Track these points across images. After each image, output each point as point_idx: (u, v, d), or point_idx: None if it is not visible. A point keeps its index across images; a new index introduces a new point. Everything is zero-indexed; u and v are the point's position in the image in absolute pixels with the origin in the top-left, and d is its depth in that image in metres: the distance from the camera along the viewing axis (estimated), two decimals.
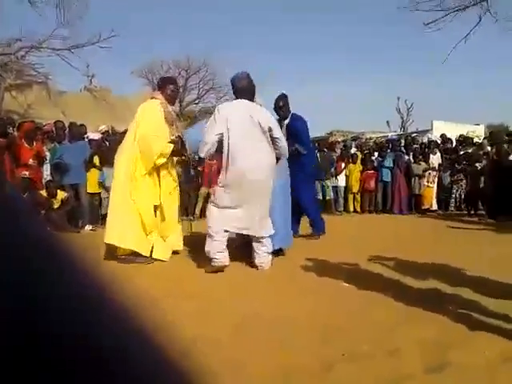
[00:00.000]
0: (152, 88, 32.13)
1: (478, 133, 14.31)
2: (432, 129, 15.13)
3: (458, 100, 49.41)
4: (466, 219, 8.91)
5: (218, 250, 4.21)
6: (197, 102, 28.96)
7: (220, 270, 4.21)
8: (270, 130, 4.32)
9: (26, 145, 6.98)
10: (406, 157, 10.38)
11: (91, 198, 7.78)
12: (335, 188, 9.94)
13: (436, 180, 10.35)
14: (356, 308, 3.14)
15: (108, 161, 6.96)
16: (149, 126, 4.63)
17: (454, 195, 10.25)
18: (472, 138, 11.58)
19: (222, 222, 4.23)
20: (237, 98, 4.41)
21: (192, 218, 8.16)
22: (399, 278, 3.92)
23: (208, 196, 6.02)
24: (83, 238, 6.34)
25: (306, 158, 6.04)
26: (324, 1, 54.49)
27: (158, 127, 4.68)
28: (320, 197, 9.69)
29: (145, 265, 4.49)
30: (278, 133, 4.42)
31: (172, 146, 4.65)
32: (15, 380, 0.20)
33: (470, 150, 10.52)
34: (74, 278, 0.25)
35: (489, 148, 10.36)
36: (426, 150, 10.86)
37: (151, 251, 4.66)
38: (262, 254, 4.35)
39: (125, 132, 9.22)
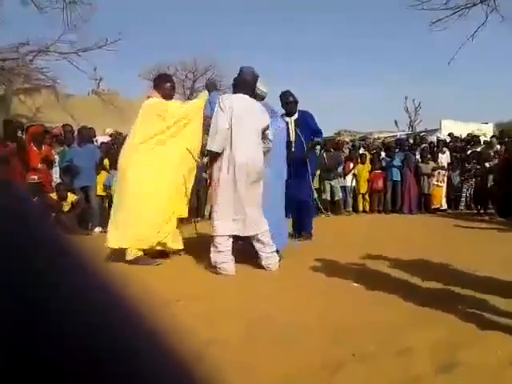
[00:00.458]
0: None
1: (486, 131, 14.21)
2: (441, 128, 15.05)
3: (466, 99, 49.19)
4: (475, 218, 8.85)
5: (223, 260, 4.21)
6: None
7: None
8: (266, 128, 4.41)
9: (35, 148, 7.03)
10: (415, 156, 10.34)
11: (101, 200, 7.82)
12: (343, 188, 9.91)
13: (445, 179, 10.29)
14: (365, 308, 3.13)
15: (116, 163, 6.99)
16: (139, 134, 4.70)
17: (464, 194, 10.19)
18: (479, 136, 11.51)
19: (225, 229, 4.23)
20: (237, 90, 4.44)
21: (198, 219, 8.16)
22: (408, 277, 3.91)
23: None
24: (93, 241, 6.37)
25: (311, 158, 6.05)
26: (331, 0, 54.44)
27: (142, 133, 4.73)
28: (328, 197, 9.66)
29: (152, 266, 4.50)
30: (270, 134, 4.50)
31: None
32: (21, 381, 0.20)
33: (478, 149, 10.46)
34: (83, 280, 0.25)
35: (498, 146, 10.29)
36: (435, 149, 10.81)
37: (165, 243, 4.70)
38: (267, 254, 4.34)
39: None
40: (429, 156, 10.27)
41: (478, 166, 9.81)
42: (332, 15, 56.63)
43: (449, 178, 10.36)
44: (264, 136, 4.43)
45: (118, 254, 4.59)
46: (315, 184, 9.37)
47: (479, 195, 9.73)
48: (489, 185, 9.40)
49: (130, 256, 4.60)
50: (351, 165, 9.96)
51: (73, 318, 0.23)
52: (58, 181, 7.55)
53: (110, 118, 16.01)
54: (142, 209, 4.59)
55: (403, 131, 22.80)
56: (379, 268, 4.29)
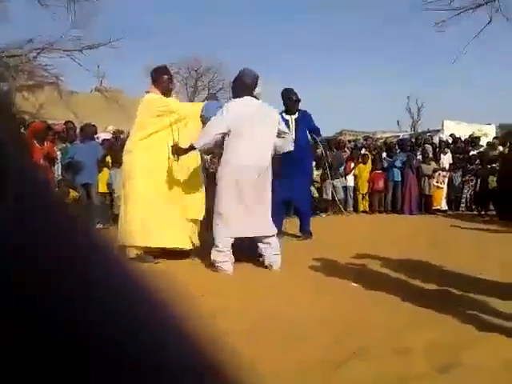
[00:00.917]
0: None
1: (487, 132, 14.17)
2: (443, 128, 15.03)
3: (469, 100, 49.08)
4: (476, 219, 8.84)
5: (222, 259, 4.22)
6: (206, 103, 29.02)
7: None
8: (279, 123, 4.46)
9: (37, 145, 7.04)
10: (417, 157, 10.32)
11: (103, 197, 7.84)
12: (344, 188, 9.90)
13: (446, 180, 10.28)
14: (365, 308, 3.14)
15: (118, 161, 7.00)
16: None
17: (464, 195, 10.18)
18: (479, 137, 11.50)
19: (228, 232, 4.24)
20: (237, 93, 4.42)
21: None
22: (408, 278, 3.91)
23: None
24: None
25: (308, 158, 6.06)
26: None
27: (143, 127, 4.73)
28: (329, 197, 9.66)
29: (153, 264, 4.50)
30: (285, 127, 4.59)
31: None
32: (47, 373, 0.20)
33: (481, 150, 10.44)
34: (107, 272, 0.26)
35: (501, 148, 10.27)
36: (437, 149, 10.80)
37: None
38: (271, 255, 4.35)
39: None
40: (430, 157, 10.25)
41: (480, 167, 9.80)
42: (335, 14, 56.54)
43: (450, 178, 10.35)
44: (280, 132, 4.45)
45: (121, 251, 4.59)
46: (317, 183, 9.41)
47: (480, 196, 9.72)
48: (490, 186, 9.38)
49: (131, 254, 4.60)
50: (352, 164, 9.95)
51: (97, 311, 0.23)
52: (60, 177, 7.57)
53: (112, 115, 16.02)
54: (166, 209, 4.63)
55: (405, 131, 22.78)
56: (379, 268, 4.29)
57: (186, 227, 4.80)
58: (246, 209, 4.25)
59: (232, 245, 4.29)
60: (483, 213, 9.51)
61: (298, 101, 5.96)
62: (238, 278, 4.07)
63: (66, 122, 8.76)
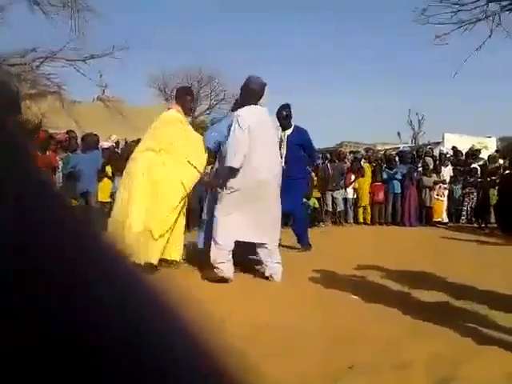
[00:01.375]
0: (164, 98, 32.47)
1: (488, 145, 14.19)
2: (443, 141, 15.05)
3: (470, 112, 49.17)
4: (476, 232, 8.82)
5: (222, 260, 4.15)
6: (208, 112, 29.18)
7: (223, 280, 4.15)
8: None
9: (38, 153, 7.06)
10: (417, 169, 10.33)
11: (102, 206, 7.83)
12: (345, 199, 9.90)
13: (446, 193, 10.28)
14: (364, 321, 3.13)
15: (119, 170, 7.01)
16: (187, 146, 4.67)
17: (465, 208, 10.18)
18: (480, 150, 11.52)
19: (230, 233, 4.19)
20: (245, 101, 4.39)
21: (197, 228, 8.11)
22: (408, 290, 3.90)
23: None
24: None
25: (300, 173, 6.04)
26: (335, 11, 54.83)
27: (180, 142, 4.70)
28: (330, 208, 9.67)
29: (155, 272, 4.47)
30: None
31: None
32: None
33: (480, 163, 10.45)
34: (117, 274, 0.26)
35: (501, 161, 10.28)
36: (437, 162, 10.81)
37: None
38: (272, 264, 4.32)
39: (137, 141, 9.32)
40: (431, 169, 10.27)
41: (480, 180, 9.80)
42: (336, 25, 56.94)
43: (450, 191, 10.35)
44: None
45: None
46: (317, 194, 9.41)
47: (480, 209, 9.71)
48: (491, 199, 9.37)
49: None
50: (352, 176, 9.95)
51: (101, 311, 0.23)
52: (60, 186, 7.58)
53: (115, 125, 16.08)
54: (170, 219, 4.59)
55: (406, 143, 22.81)
56: (379, 280, 4.28)
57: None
58: (254, 215, 4.22)
59: (232, 252, 4.25)
60: (483, 225, 9.49)
61: (288, 116, 5.91)
62: (237, 287, 4.05)
63: (67, 131, 8.80)
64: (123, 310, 0.24)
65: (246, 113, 4.26)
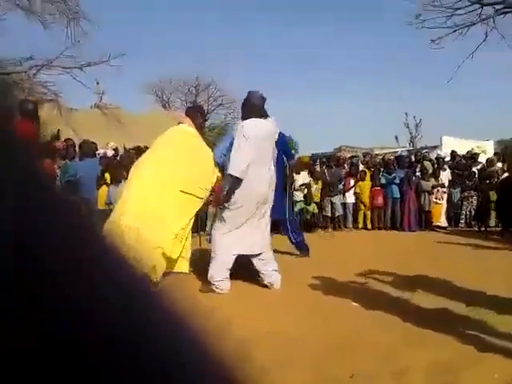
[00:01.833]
0: (161, 104, 32.51)
1: (486, 148, 14.21)
2: (441, 144, 15.07)
3: (468, 115, 49.27)
4: (475, 235, 8.82)
5: (220, 277, 4.18)
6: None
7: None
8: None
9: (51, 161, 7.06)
10: (416, 173, 10.34)
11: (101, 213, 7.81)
12: (344, 205, 9.90)
13: (445, 197, 10.28)
14: (365, 328, 3.13)
15: (116, 178, 7.02)
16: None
17: (464, 212, 10.18)
18: (478, 154, 11.55)
19: (228, 250, 4.21)
20: (247, 115, 4.39)
21: (202, 233, 8.09)
22: (408, 296, 3.90)
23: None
24: None
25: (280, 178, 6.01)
26: (332, 14, 55.03)
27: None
28: (329, 213, 9.66)
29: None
30: None
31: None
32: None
33: (479, 167, 10.47)
34: (122, 275, 0.26)
35: (499, 164, 10.30)
36: (435, 166, 10.81)
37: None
38: (270, 272, 4.33)
39: (135, 148, 9.32)
40: (430, 173, 10.27)
41: (480, 184, 9.82)
42: (333, 27, 56.99)
43: (449, 195, 10.35)
44: None
45: None
46: (317, 198, 9.41)
47: (480, 212, 9.72)
48: (490, 201, 9.40)
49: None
50: (352, 182, 9.96)
51: (105, 312, 0.23)
52: None
53: (112, 132, 16.08)
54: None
55: (404, 147, 22.86)
56: (379, 287, 4.28)
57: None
58: (252, 228, 4.25)
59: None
60: (483, 229, 9.50)
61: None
62: (236, 296, 4.04)
63: (65, 139, 8.79)
64: (129, 310, 0.24)
65: (251, 124, 4.28)
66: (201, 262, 4.82)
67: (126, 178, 5.98)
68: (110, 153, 9.20)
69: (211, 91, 32.00)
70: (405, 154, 13.65)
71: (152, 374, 0.22)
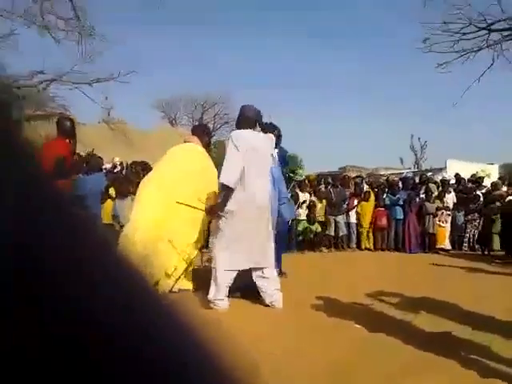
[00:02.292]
0: (168, 121, 32.73)
1: (490, 172, 14.21)
2: (446, 167, 15.09)
3: (473, 138, 49.35)
4: (478, 259, 8.75)
5: (220, 297, 4.17)
6: (212, 134, 29.42)
7: None
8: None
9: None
10: (420, 195, 10.32)
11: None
12: (348, 224, 9.88)
13: (449, 219, 10.25)
14: (366, 351, 3.10)
15: (122, 192, 7.06)
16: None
17: (467, 235, 10.13)
18: (482, 177, 11.53)
19: (228, 264, 4.19)
20: (241, 125, 4.43)
21: (204, 250, 8.07)
22: (410, 319, 3.87)
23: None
24: None
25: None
26: (339, 37, 55.54)
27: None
28: (332, 232, 9.65)
29: None
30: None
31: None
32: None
33: (483, 190, 10.45)
34: (123, 276, 0.26)
35: (505, 188, 10.28)
36: (440, 188, 10.80)
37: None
38: (272, 291, 4.30)
39: (141, 163, 9.36)
40: (435, 195, 10.24)
41: (484, 207, 9.78)
42: (337, 52, 57.65)
43: (453, 218, 10.31)
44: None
45: None
46: (320, 218, 9.39)
47: (483, 236, 9.67)
48: (495, 225, 9.35)
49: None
50: (355, 201, 9.95)
51: (112, 314, 0.23)
52: None
53: (119, 147, 16.19)
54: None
55: (409, 169, 22.88)
56: (381, 309, 4.25)
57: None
58: (250, 242, 4.23)
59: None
60: (486, 253, 9.44)
61: (280, 136, 5.94)
62: (237, 315, 4.01)
63: (88, 153, 8.89)
64: (129, 311, 0.24)
65: (241, 134, 4.32)
66: (204, 278, 4.82)
67: (131, 193, 6.06)
68: (118, 168, 9.27)
69: (218, 109, 32.24)
70: (409, 175, 13.65)
71: (152, 374, 0.23)
